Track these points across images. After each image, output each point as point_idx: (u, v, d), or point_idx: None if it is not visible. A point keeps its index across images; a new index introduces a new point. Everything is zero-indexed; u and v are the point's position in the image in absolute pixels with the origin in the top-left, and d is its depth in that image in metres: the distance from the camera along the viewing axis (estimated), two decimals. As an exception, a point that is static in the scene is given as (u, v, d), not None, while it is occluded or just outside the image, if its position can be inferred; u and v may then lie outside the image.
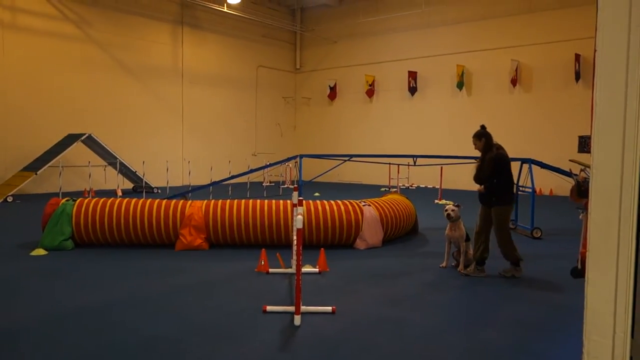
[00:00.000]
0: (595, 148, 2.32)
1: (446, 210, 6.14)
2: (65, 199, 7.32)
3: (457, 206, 6.21)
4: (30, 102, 14.75)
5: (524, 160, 9.24)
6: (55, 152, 13.63)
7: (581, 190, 4.33)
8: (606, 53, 2.29)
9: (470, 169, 6.31)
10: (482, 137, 5.91)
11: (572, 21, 15.92)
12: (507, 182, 5.83)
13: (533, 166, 9.02)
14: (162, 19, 17.91)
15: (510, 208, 5.87)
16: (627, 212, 2.23)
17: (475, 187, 6.04)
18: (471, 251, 6.18)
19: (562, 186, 14.30)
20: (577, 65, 15.79)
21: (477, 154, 6.13)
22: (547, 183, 15.48)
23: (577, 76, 15.86)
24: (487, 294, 5.17)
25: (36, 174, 13.02)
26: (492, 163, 5.75)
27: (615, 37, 2.26)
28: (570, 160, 8.58)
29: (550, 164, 9.53)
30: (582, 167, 5.77)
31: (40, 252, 6.72)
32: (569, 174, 8.49)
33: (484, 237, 5.92)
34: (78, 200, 7.23)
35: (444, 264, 6.27)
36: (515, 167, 9.45)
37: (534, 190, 8.64)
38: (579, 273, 5.09)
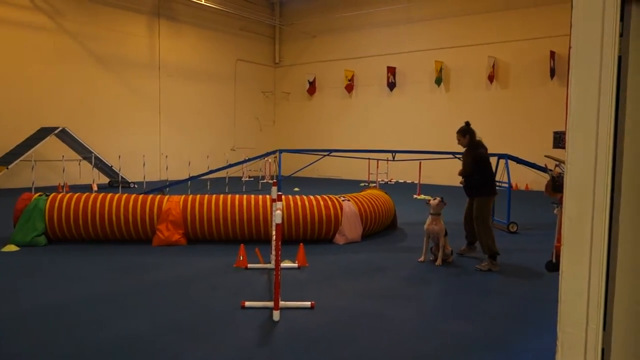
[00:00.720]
0: (569, 144, 2.36)
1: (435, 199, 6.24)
2: (38, 194, 7.14)
3: (442, 201, 6.27)
4: (1, 94, 14.33)
5: (500, 156, 9.37)
6: (28, 145, 13.29)
7: (556, 185, 4.41)
8: (580, 50, 2.32)
9: (448, 164, 6.53)
10: (467, 133, 6.23)
11: (547, 19, 16.18)
12: (487, 177, 6.18)
13: (509, 161, 9.15)
14: (138, 11, 17.57)
15: (490, 200, 6.17)
16: (600, 206, 2.28)
17: (454, 182, 6.16)
18: (449, 246, 6.26)
19: (538, 181, 14.56)
20: (552, 62, 16.07)
21: (458, 149, 6.26)
22: (523, 178, 15.76)
23: (552, 73, 16.15)
24: (464, 288, 5.24)
25: (7, 168, 12.69)
26: (473, 163, 6.12)
27: (589, 35, 2.29)
28: (545, 156, 8.74)
29: (526, 160, 9.69)
30: (557, 163, 5.87)
31: (11, 248, 6.56)
32: (544, 169, 8.64)
33: (466, 224, 6.49)
34: (51, 195, 7.07)
35: (421, 259, 6.32)
36: (491, 162, 9.65)
37: (510, 186, 8.77)
38: (553, 267, 5.19)
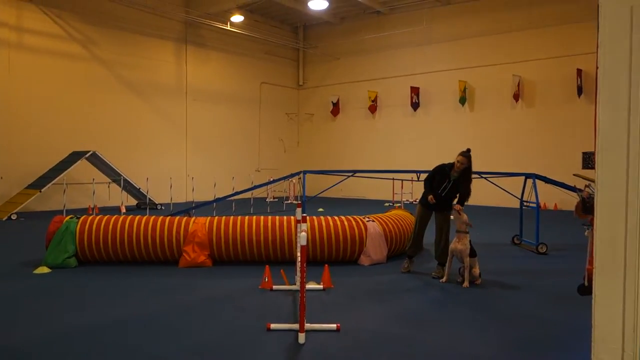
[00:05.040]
0: (599, 164, 2.32)
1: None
2: (69, 216, 7.33)
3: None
4: (36, 120, 14.87)
5: (527, 175, 9.22)
6: (60, 169, 13.69)
7: (586, 206, 4.31)
8: (608, 70, 2.30)
9: (473, 184, 6.62)
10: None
11: (573, 37, 16.02)
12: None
13: (537, 181, 8.98)
14: (166, 38, 18.11)
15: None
16: (633, 228, 2.22)
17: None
18: (477, 268, 6.15)
19: (567, 201, 14.22)
20: (579, 80, 15.84)
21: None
22: (551, 198, 15.43)
23: (580, 91, 15.91)
24: (492, 311, 5.12)
25: (40, 191, 13.07)
26: (470, 183, 6.61)
27: (617, 54, 2.27)
28: (574, 175, 8.55)
29: (555, 179, 9.50)
30: (587, 183, 5.75)
31: (43, 269, 6.71)
32: (573, 189, 8.45)
33: (421, 237, 6.86)
34: (82, 218, 7.24)
35: (443, 279, 6.26)
36: (519, 181, 9.50)
37: (538, 205, 8.60)
38: (585, 290, 5.03)
